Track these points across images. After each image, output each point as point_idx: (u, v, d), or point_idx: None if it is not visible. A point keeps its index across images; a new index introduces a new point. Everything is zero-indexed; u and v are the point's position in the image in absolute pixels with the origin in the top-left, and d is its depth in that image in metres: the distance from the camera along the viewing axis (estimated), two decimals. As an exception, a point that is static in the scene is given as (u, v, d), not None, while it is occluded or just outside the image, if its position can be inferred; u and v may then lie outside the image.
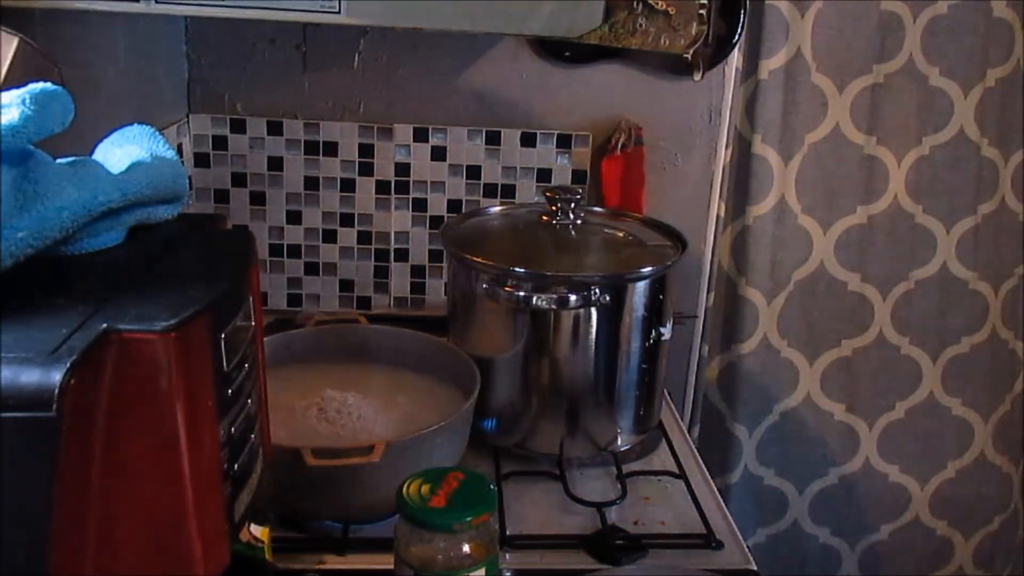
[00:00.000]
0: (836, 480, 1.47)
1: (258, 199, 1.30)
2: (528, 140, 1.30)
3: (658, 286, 0.96)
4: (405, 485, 0.67)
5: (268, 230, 1.31)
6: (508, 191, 1.32)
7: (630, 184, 1.29)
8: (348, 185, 1.30)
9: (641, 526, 0.89)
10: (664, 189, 1.33)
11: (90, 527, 0.40)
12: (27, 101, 0.45)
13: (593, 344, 0.95)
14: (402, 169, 1.30)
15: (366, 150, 1.29)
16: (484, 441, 0.98)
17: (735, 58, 1.27)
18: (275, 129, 1.27)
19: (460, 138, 1.29)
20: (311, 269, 1.34)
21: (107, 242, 0.51)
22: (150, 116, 1.09)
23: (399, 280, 1.35)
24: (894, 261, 1.39)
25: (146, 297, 0.44)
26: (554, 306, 0.91)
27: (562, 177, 1.32)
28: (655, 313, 0.97)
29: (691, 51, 1.14)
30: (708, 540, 0.86)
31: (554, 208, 1.02)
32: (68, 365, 0.37)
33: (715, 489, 0.97)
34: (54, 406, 0.36)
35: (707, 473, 1.00)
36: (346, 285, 1.35)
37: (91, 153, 0.57)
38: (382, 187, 1.30)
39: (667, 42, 1.12)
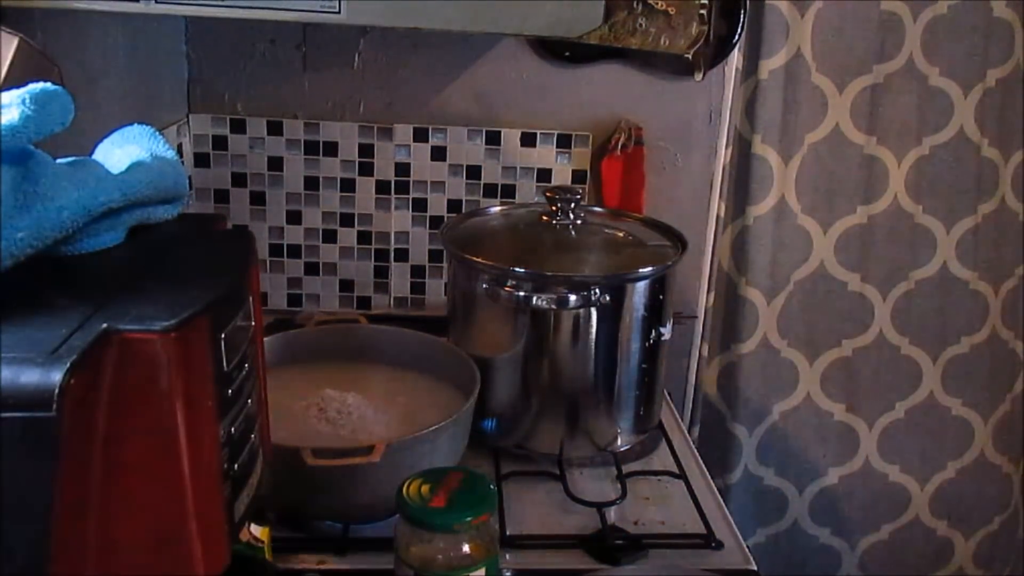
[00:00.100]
0: (836, 480, 1.47)
1: (258, 199, 1.30)
2: (528, 140, 1.30)
3: (658, 286, 0.96)
4: (405, 485, 0.67)
5: (268, 230, 1.31)
6: (508, 191, 1.32)
7: (630, 184, 1.29)
8: (348, 185, 1.30)
9: (641, 526, 0.89)
10: (664, 189, 1.33)
11: (90, 527, 0.40)
12: (27, 101, 0.44)
13: (593, 344, 0.95)
14: (402, 169, 1.30)
15: (366, 150, 1.29)
16: (484, 441, 0.98)
17: (735, 58, 1.27)
18: (275, 129, 1.27)
19: (460, 138, 1.29)
20: (311, 269, 1.34)
21: (107, 242, 0.51)
22: (150, 116, 1.10)
23: (399, 280, 1.35)
24: (894, 261, 1.39)
25: (146, 297, 0.44)
26: (554, 306, 0.91)
27: (562, 177, 1.32)
28: (655, 313, 0.97)
29: (691, 51, 1.14)
30: (708, 540, 0.86)
31: (554, 208, 1.02)
32: (68, 365, 0.37)
33: (715, 489, 0.97)
34: (54, 406, 0.36)
35: (707, 473, 1.00)
36: (346, 285, 1.35)
37: (91, 153, 0.57)
38: (382, 187, 1.30)
39: (667, 42, 1.12)
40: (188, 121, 1.26)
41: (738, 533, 0.89)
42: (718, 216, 1.35)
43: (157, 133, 0.59)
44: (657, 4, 1.10)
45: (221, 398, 0.46)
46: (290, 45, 1.25)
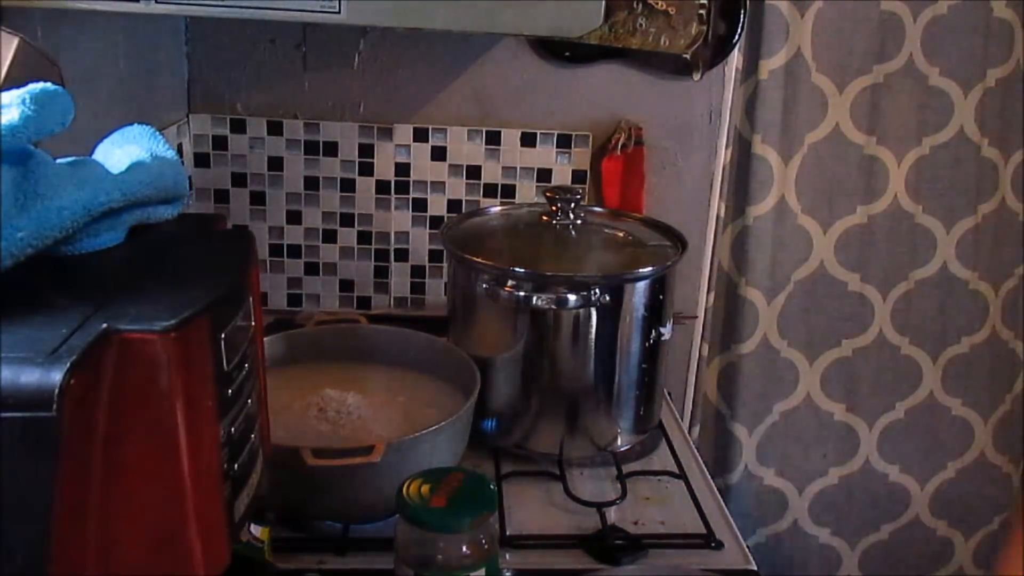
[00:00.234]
0: (836, 480, 1.47)
1: (258, 199, 1.30)
2: (528, 140, 1.30)
3: (658, 286, 0.96)
4: (405, 485, 0.67)
5: (268, 230, 1.31)
6: (508, 191, 1.32)
7: (630, 184, 1.29)
8: (348, 185, 1.30)
9: (641, 526, 0.89)
10: (664, 189, 1.33)
11: (90, 527, 0.40)
12: (27, 101, 0.44)
13: (593, 344, 0.95)
14: (402, 169, 1.30)
15: (366, 150, 1.29)
16: (484, 441, 0.98)
17: (735, 58, 1.27)
18: (275, 129, 1.27)
19: (460, 138, 1.29)
20: (311, 269, 1.34)
21: (107, 242, 0.51)
22: (150, 116, 1.10)
23: (399, 280, 1.35)
24: (894, 261, 1.39)
25: (146, 297, 0.44)
26: (554, 306, 0.91)
27: (562, 177, 1.32)
28: (655, 313, 0.97)
29: (691, 51, 1.14)
30: (708, 540, 0.86)
31: (554, 208, 1.02)
32: (68, 365, 0.37)
33: (715, 489, 0.97)
34: (54, 406, 0.36)
35: (707, 473, 1.00)
36: (346, 285, 1.35)
37: (91, 153, 0.57)
38: (382, 187, 1.30)
39: (667, 42, 1.12)
40: (188, 121, 1.26)
41: (738, 533, 0.89)
42: (718, 216, 1.35)
43: (157, 133, 0.59)
44: (657, 4, 1.10)
45: (221, 398, 0.46)
46: (290, 45, 1.25)
